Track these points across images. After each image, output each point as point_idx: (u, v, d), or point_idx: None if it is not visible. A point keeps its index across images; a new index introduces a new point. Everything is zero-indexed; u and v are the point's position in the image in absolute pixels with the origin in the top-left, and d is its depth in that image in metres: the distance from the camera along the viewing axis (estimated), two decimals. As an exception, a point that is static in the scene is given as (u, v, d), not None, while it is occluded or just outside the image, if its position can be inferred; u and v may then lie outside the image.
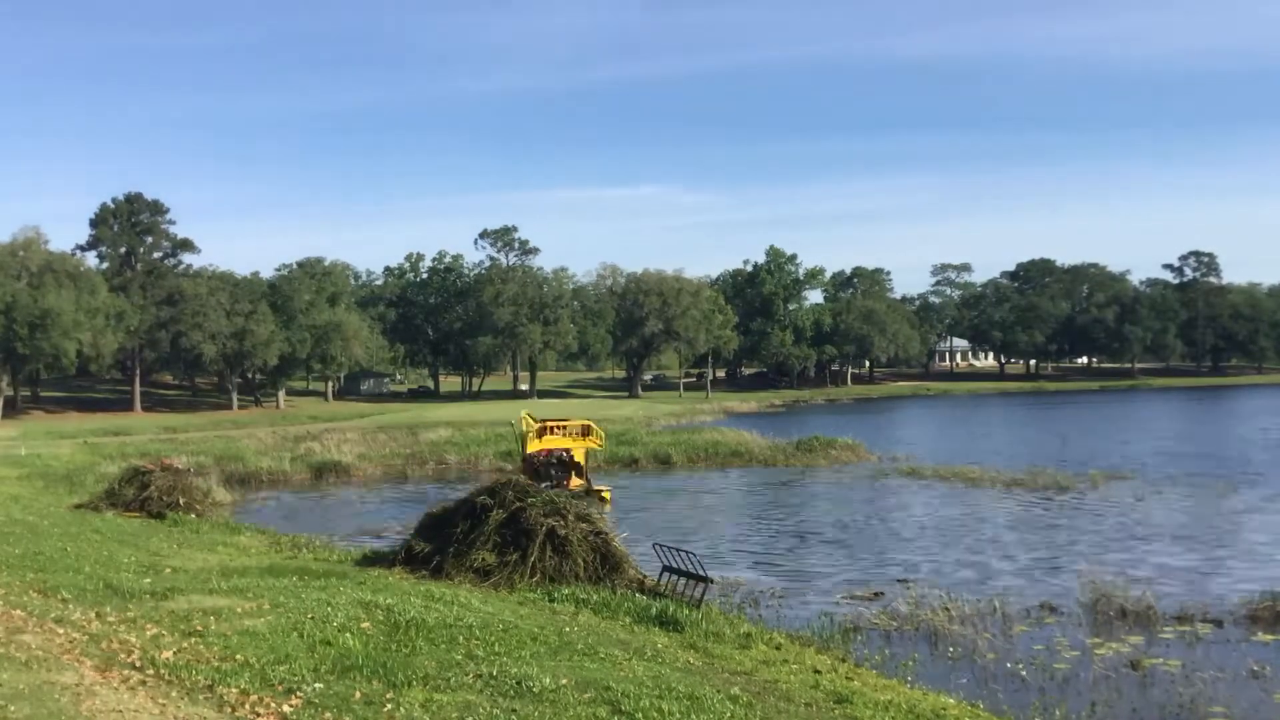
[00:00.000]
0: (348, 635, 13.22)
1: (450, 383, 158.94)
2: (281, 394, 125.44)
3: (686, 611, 17.68)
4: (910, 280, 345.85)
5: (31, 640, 11.94)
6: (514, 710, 10.40)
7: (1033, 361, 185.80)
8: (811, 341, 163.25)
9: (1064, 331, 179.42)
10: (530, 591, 18.86)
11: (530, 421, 41.99)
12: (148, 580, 17.09)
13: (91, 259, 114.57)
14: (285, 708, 9.90)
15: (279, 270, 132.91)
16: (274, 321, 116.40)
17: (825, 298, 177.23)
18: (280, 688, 10.57)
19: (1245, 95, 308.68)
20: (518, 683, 11.33)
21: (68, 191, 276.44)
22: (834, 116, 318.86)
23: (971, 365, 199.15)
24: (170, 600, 15.29)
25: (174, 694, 10.17)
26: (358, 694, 10.55)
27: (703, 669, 13.94)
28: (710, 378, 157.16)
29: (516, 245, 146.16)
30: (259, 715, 9.69)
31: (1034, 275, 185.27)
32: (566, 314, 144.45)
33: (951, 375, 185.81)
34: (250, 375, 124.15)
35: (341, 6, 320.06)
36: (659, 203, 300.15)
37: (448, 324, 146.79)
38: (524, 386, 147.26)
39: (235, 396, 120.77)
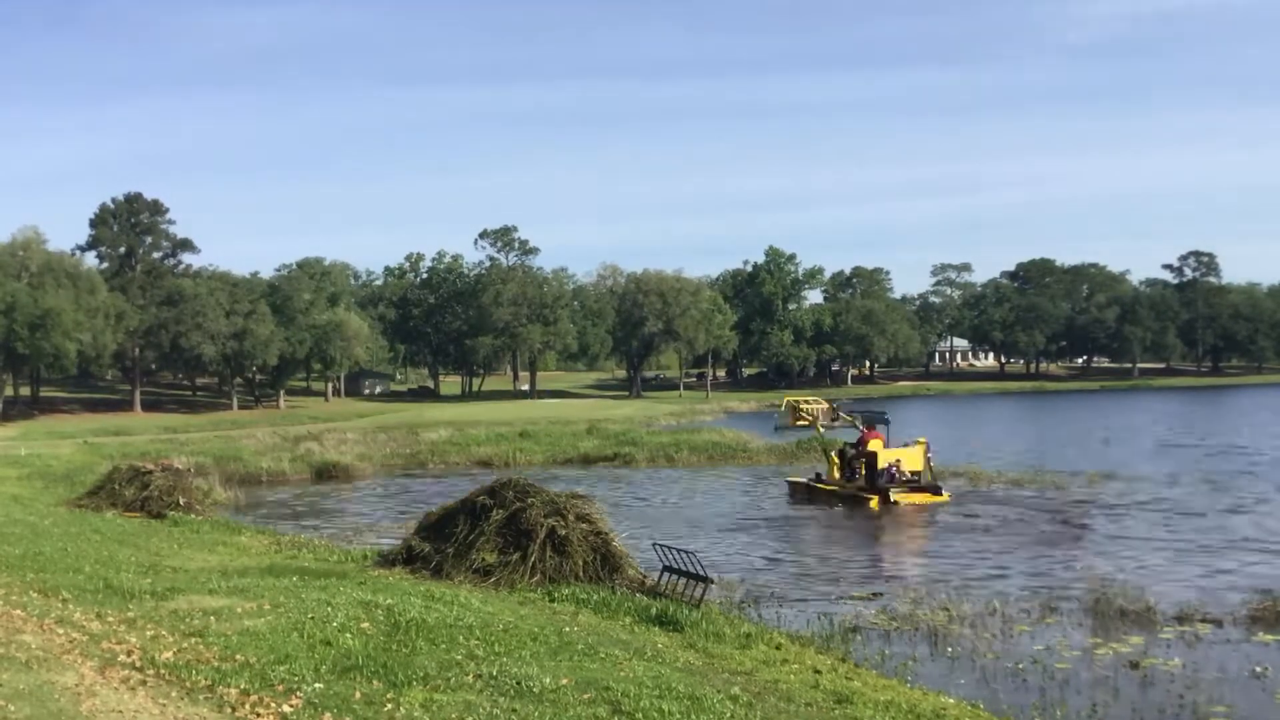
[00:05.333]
0: (348, 635, 13.21)
1: (450, 383, 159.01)
2: (281, 394, 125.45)
3: (686, 611, 17.65)
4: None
5: (31, 640, 11.94)
6: (514, 710, 10.39)
7: (1034, 362, 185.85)
8: (811, 341, 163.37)
9: (1065, 332, 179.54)
10: (530, 591, 18.84)
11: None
12: (148, 580, 17.08)
13: (91, 259, 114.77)
14: (285, 708, 9.89)
15: (279, 270, 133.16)
16: (274, 322, 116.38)
17: (825, 298, 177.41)
18: (280, 688, 10.56)
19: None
20: (518, 683, 11.32)
21: (68, 192, 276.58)
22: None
23: (972, 365, 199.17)
24: (170, 600, 15.29)
25: (174, 694, 10.18)
26: (358, 694, 10.54)
27: (703, 669, 13.92)
28: (710, 378, 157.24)
29: (516, 245, 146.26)
30: (259, 715, 9.68)
31: (1034, 275, 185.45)
32: (566, 314, 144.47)
33: (952, 375, 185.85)
34: (250, 376, 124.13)
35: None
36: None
37: (448, 324, 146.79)
38: (524, 387, 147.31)
39: (235, 397, 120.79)
